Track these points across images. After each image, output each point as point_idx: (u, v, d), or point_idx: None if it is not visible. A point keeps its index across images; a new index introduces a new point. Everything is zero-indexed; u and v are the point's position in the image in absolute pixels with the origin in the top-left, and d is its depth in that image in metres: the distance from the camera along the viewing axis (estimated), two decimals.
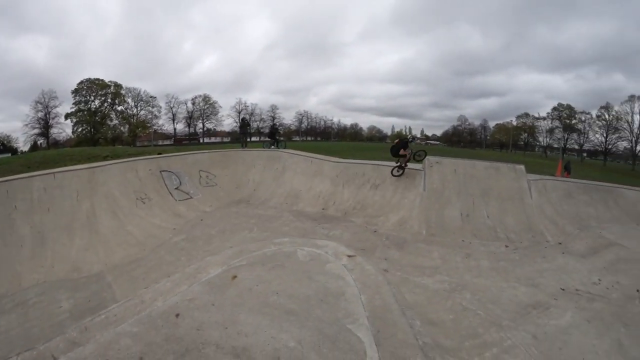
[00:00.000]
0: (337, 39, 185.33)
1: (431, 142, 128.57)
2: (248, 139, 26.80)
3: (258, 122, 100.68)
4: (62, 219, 11.01)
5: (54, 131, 77.80)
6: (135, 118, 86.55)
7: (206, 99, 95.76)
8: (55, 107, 77.20)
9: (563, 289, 8.59)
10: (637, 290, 8.86)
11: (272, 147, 21.35)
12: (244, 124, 24.74)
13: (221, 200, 14.24)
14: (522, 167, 15.69)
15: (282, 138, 25.16)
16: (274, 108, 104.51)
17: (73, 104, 79.35)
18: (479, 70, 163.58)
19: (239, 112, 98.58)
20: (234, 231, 11.41)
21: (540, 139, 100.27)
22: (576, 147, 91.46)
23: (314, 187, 15.48)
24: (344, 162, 16.62)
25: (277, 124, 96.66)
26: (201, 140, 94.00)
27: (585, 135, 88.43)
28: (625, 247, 11.81)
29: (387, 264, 9.19)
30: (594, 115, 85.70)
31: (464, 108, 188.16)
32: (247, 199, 14.90)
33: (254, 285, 3.41)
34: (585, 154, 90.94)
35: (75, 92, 79.25)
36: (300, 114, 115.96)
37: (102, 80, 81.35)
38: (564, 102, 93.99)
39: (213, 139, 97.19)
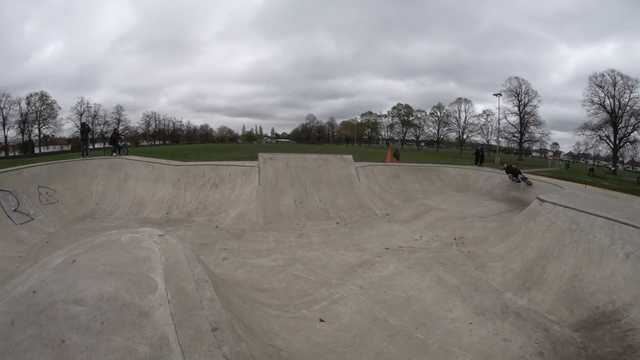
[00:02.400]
0: (196, 36, 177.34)
1: (281, 140, 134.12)
2: (90, 146, 24.33)
3: (102, 126, 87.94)
4: None
5: None
6: None
7: (43, 97, 77.46)
8: None
9: (387, 248, 10.24)
10: (454, 239, 11.08)
11: (114, 154, 20.06)
12: (85, 129, 22.29)
13: (65, 218, 13.05)
14: (350, 156, 18.21)
15: (126, 143, 23.65)
16: (119, 109, 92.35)
17: None
18: (330, 74, 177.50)
19: (81, 115, 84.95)
20: None
21: (383, 133, 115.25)
22: (414, 138, 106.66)
23: (157, 192, 15.39)
24: (185, 165, 16.78)
25: (120, 128, 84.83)
26: (37, 151, 75.97)
27: (421, 129, 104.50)
28: (444, 210, 14.31)
29: (226, 253, 9.83)
30: (428, 113, 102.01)
31: (314, 107, 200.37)
32: (92, 213, 13.96)
33: (88, 263, 4.31)
34: (423, 144, 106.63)
35: None
36: (148, 116, 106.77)
37: None
38: (403, 102, 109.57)
39: (52, 148, 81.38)
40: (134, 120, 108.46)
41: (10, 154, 69.38)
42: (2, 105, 71.08)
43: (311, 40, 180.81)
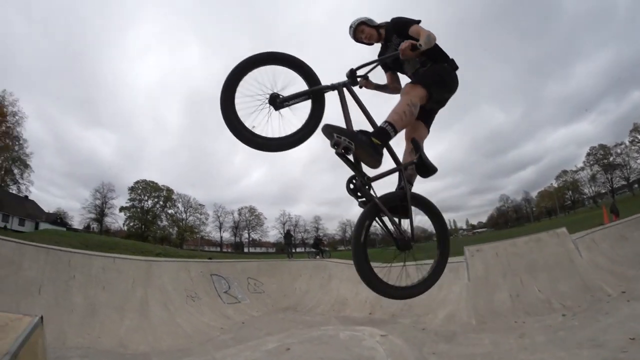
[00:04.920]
0: None
1: (478, 230, 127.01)
2: (293, 250, 28.53)
3: (302, 233, 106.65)
4: (116, 299, 11.72)
5: (107, 220, 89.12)
6: (184, 222, 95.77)
7: (252, 210, 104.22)
8: (112, 198, 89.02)
9: (633, 339, 8.10)
10: None
11: (317, 257, 22.12)
12: (289, 235, 26.64)
13: (268, 307, 14.85)
14: (564, 229, 15.26)
15: (326, 248, 26.46)
16: (317, 219, 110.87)
17: (128, 199, 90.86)
18: (508, 145, 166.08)
19: (284, 224, 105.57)
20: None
21: (586, 190, 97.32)
22: (624, 182, 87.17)
23: (360, 292, 15.62)
24: (388, 266, 16.88)
25: (321, 234, 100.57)
26: (246, 250, 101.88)
27: (628, 167, 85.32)
28: None
29: (435, 358, 8.95)
30: (627, 142, 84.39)
31: (504, 187, 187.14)
32: (294, 306, 15.40)
33: (303, 353, 4.44)
34: (636, 185, 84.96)
35: (132, 189, 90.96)
36: (344, 223, 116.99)
37: (156, 183, 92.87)
38: (595, 144, 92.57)
39: (258, 249, 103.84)
40: (331, 227, 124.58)
41: (225, 250, 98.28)
42: (219, 214, 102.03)
43: (478, 116, 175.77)
